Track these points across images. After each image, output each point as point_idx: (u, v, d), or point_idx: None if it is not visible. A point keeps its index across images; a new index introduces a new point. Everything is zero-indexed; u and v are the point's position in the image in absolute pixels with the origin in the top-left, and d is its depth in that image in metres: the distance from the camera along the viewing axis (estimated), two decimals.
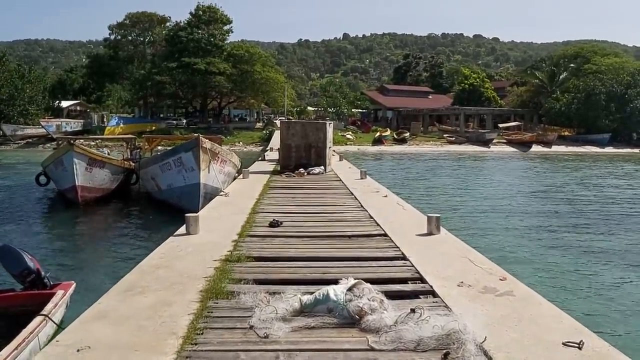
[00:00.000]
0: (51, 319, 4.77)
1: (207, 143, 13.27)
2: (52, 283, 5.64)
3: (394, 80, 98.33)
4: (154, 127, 50.06)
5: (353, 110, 64.31)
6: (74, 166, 15.33)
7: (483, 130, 53.80)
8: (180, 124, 56.56)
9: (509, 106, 63.77)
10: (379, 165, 32.02)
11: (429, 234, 6.92)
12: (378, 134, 50.53)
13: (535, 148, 47.33)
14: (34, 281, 5.48)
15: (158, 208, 15.22)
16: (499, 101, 65.78)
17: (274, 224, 7.55)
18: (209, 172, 13.25)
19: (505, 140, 50.51)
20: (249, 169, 15.73)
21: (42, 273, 5.58)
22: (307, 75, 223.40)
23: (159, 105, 62.20)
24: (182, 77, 51.11)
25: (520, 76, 76.38)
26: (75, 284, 5.84)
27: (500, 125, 56.53)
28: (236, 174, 16.56)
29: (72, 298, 5.83)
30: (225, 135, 45.40)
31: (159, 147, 23.69)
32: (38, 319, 4.64)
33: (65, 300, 5.48)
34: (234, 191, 11.38)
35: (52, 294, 5.28)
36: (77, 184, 15.47)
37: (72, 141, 16.66)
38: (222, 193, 11.03)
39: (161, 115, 65.18)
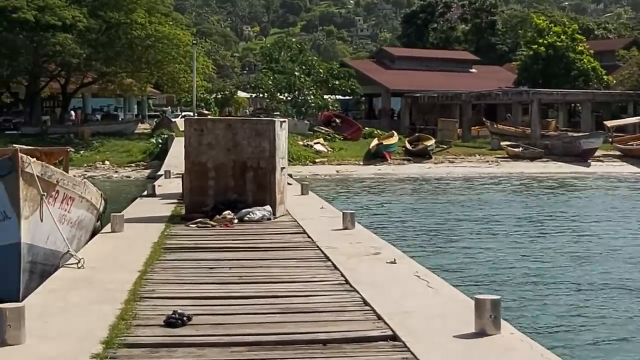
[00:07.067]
0: None
1: (34, 165, 13.20)
2: None
3: (405, 40, 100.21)
4: None
5: (326, 97, 64.88)
6: None
7: (576, 134, 54.74)
8: None
9: (624, 87, 65.34)
10: (378, 203, 32.21)
11: (480, 334, 6.98)
12: (375, 142, 51.12)
13: None
14: None
15: None
16: (605, 77, 67.41)
17: (174, 322, 7.53)
18: (39, 222, 13.16)
19: (618, 152, 51.69)
20: (123, 213, 15.67)
21: None
22: (237, 30, 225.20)
23: None
24: None
25: None
26: None
27: (609, 124, 57.44)
28: (97, 224, 16.46)
29: None
30: (77, 148, 45.04)
31: None
32: None
33: None
34: (94, 257, 11.38)
35: None
36: None
37: None
38: (71, 262, 10.97)
39: None
